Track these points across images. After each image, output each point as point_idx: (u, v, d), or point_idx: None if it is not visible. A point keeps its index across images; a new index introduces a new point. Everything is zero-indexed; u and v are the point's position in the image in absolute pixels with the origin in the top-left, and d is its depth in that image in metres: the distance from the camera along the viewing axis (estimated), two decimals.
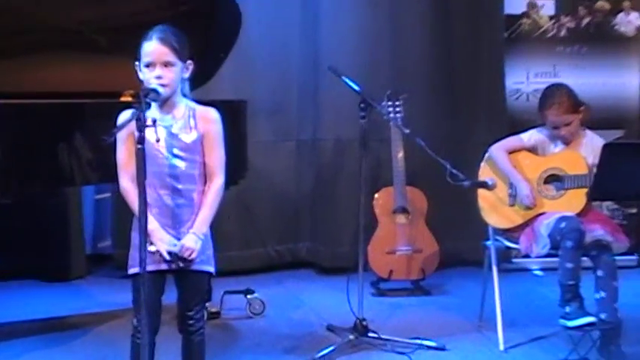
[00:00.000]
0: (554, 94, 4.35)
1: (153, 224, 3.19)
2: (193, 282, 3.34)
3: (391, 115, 5.14)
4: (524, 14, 5.90)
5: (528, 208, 4.28)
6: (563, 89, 4.35)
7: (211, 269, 3.36)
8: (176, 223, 3.25)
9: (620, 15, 5.94)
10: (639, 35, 5.95)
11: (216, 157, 3.32)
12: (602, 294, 4.04)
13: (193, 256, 3.24)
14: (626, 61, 5.94)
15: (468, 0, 5.93)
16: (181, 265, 3.25)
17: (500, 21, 5.87)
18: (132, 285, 3.29)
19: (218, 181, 3.32)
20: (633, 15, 5.94)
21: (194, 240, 3.24)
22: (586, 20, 5.92)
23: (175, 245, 3.22)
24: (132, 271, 3.26)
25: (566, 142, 4.33)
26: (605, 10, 5.94)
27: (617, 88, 5.93)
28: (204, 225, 3.28)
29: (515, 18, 5.89)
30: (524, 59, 5.91)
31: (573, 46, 5.92)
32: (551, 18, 5.92)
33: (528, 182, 4.28)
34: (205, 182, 3.31)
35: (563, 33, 5.92)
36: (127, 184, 3.24)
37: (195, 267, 3.29)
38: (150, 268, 3.12)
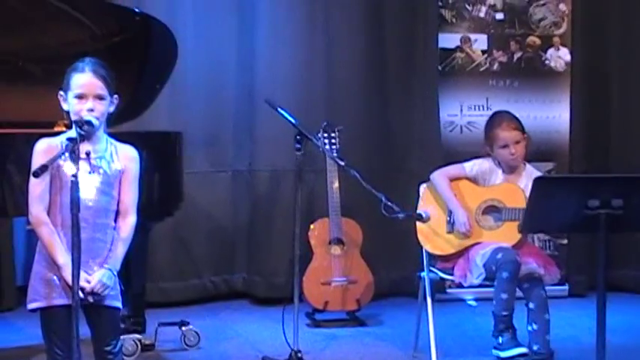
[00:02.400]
0: (502, 114, 4.52)
1: (65, 258, 3.12)
2: (107, 317, 3.28)
3: (327, 147, 5.17)
4: (458, 48, 6.00)
5: (465, 235, 4.32)
6: (509, 112, 4.53)
7: (119, 305, 3.30)
8: (86, 257, 3.14)
9: (551, 50, 6.07)
10: (569, 70, 6.07)
11: (132, 195, 3.30)
12: (535, 326, 4.10)
13: (106, 292, 3.19)
14: (556, 96, 6.06)
15: (402, 33, 6.01)
16: (92, 300, 3.18)
17: (435, 55, 5.95)
18: (41, 320, 3.21)
19: (131, 218, 3.30)
20: (563, 50, 6.08)
21: (108, 275, 3.19)
22: (518, 55, 6.05)
23: (89, 281, 3.15)
24: (34, 305, 3.20)
25: (511, 168, 4.39)
26: (535, 46, 6.07)
27: (548, 122, 6.05)
28: (118, 261, 3.25)
29: (449, 52, 5.98)
30: (457, 92, 6.00)
31: (505, 79, 6.04)
32: (484, 52, 6.03)
33: (466, 210, 4.33)
34: (116, 219, 3.28)
35: (495, 67, 6.03)
36: (42, 215, 3.16)
37: (107, 303, 3.23)
38: (61, 301, 3.09)
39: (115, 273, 3.23)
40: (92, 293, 3.17)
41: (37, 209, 3.18)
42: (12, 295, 5.78)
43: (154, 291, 5.46)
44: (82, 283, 3.13)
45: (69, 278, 3.09)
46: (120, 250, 3.25)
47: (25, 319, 5.46)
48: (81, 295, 3.11)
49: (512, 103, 5.85)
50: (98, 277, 3.17)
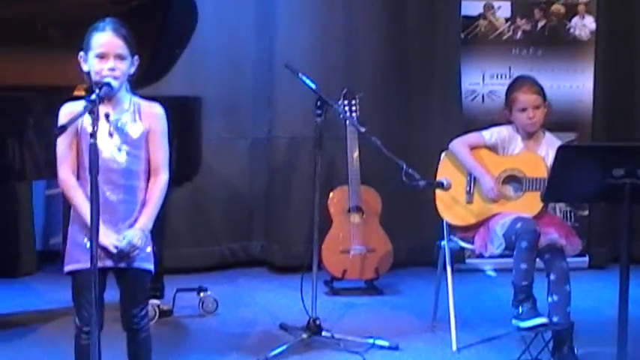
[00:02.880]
0: (525, 78, 4.46)
1: None
2: (136, 280, 3.28)
3: (347, 113, 5.12)
4: (481, 16, 5.92)
5: (493, 201, 4.28)
6: (532, 77, 4.46)
7: (151, 267, 3.30)
8: (118, 219, 3.19)
9: (575, 19, 5.98)
10: (593, 39, 5.98)
11: (161, 154, 3.27)
12: (555, 298, 4.06)
13: (136, 252, 3.19)
14: (580, 65, 5.98)
15: (424, 1, 5.93)
16: (122, 261, 3.19)
17: (457, 22, 5.88)
18: (72, 283, 3.23)
19: (163, 177, 3.28)
20: (588, 19, 5.98)
21: (139, 236, 3.18)
22: (541, 23, 5.96)
23: (120, 241, 3.15)
24: (69, 267, 3.20)
25: (529, 134, 4.33)
26: (560, 14, 5.98)
27: (571, 91, 5.98)
28: (149, 221, 3.24)
29: (471, 20, 5.90)
30: (480, 61, 5.93)
31: (529, 48, 5.96)
32: (507, 20, 5.95)
33: (491, 176, 4.29)
34: (148, 179, 3.27)
35: (518, 35, 5.95)
36: (68, 176, 3.17)
37: (136, 265, 3.23)
38: (89, 265, 3.06)
39: (147, 234, 3.22)
40: (123, 254, 3.16)
41: (64, 172, 3.18)
42: (31, 260, 5.80)
43: (172, 257, 5.44)
44: (113, 242, 3.13)
45: (100, 238, 3.07)
46: (151, 210, 3.24)
47: (44, 283, 5.50)
48: (113, 250, 3.13)
49: (535, 72, 5.72)
50: (128, 237, 3.17)
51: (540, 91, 4.34)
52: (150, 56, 3.35)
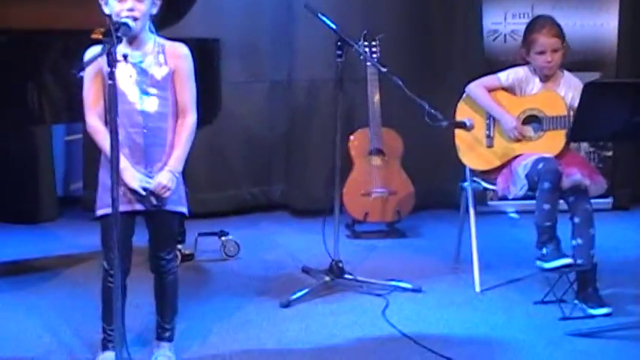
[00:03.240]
0: (545, 18, 4.35)
1: (124, 162, 3.11)
2: (165, 223, 3.29)
3: (368, 54, 5.05)
4: None
5: (517, 140, 4.22)
6: (552, 18, 4.35)
7: (184, 210, 3.32)
8: (147, 162, 3.19)
9: None
10: None
11: (188, 94, 3.25)
12: (579, 241, 4.02)
13: (167, 194, 3.18)
14: (604, 3, 5.87)
15: None
16: (155, 203, 3.19)
17: None
18: (101, 227, 3.24)
19: (191, 118, 3.26)
20: None
21: (169, 177, 3.18)
22: None
23: (149, 183, 3.15)
24: (101, 212, 3.20)
25: (547, 76, 4.27)
26: None
27: (595, 30, 5.87)
28: (179, 163, 3.23)
29: None
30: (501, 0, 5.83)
31: None
32: None
33: (512, 116, 4.23)
34: (177, 120, 3.24)
35: None
36: (95, 122, 3.16)
37: (168, 207, 3.24)
38: (122, 208, 3.05)
39: (177, 175, 3.21)
40: (155, 196, 3.16)
41: (92, 118, 3.17)
42: (52, 206, 5.81)
43: (193, 201, 5.32)
44: (143, 184, 3.13)
45: (129, 181, 3.09)
46: (181, 151, 3.23)
47: (65, 228, 5.53)
48: (143, 192, 3.13)
49: (557, 10, 5.66)
50: (159, 178, 3.15)
51: (560, 33, 4.26)
52: None
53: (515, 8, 5.83)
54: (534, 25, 4.32)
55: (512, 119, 4.22)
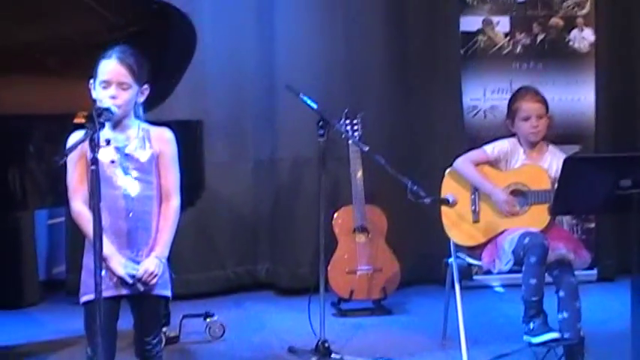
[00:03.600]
0: (528, 87, 4.46)
1: (109, 248, 3.10)
2: (151, 307, 3.27)
3: (349, 133, 5.10)
4: (480, 31, 5.91)
5: (512, 214, 4.23)
6: (534, 87, 4.46)
7: (169, 293, 3.30)
8: (133, 247, 3.18)
9: (574, 31, 5.97)
10: (593, 51, 5.97)
11: (172, 178, 3.26)
12: (565, 314, 4.01)
13: (154, 280, 3.17)
14: (580, 77, 5.97)
15: (424, 17, 5.92)
16: (142, 289, 3.17)
17: (457, 38, 5.87)
18: (85, 312, 3.20)
19: (175, 202, 3.27)
20: (586, 31, 5.98)
21: (156, 263, 3.17)
22: (541, 37, 5.95)
23: (136, 269, 3.14)
24: (86, 297, 3.17)
25: (532, 145, 4.30)
26: (559, 27, 5.98)
27: (573, 104, 5.96)
28: (165, 248, 3.23)
29: (471, 35, 5.90)
30: (480, 76, 5.92)
31: (529, 62, 5.95)
32: (506, 35, 5.94)
33: (502, 189, 4.25)
34: (161, 204, 3.24)
35: (518, 50, 5.94)
36: (80, 206, 3.16)
37: (155, 292, 3.22)
38: (108, 293, 3.04)
39: (164, 260, 3.20)
40: (142, 282, 3.15)
41: (74, 202, 3.17)
42: (35, 290, 5.76)
43: (178, 282, 5.30)
44: (129, 272, 3.12)
45: (115, 268, 3.08)
46: (167, 236, 3.23)
47: (48, 313, 5.46)
48: (130, 281, 3.12)
49: (535, 85, 5.52)
50: (145, 265, 3.15)
51: (543, 101, 4.33)
52: (150, 81, 3.32)
53: (494, 84, 5.92)
54: (518, 93, 4.41)
55: (502, 193, 4.24)
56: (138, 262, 3.17)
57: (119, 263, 3.12)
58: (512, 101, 4.38)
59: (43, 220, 5.98)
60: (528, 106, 4.28)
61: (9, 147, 3.94)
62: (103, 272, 3.05)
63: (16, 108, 4.28)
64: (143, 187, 3.20)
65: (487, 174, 4.34)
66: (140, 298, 3.21)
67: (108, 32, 4.55)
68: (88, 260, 3.18)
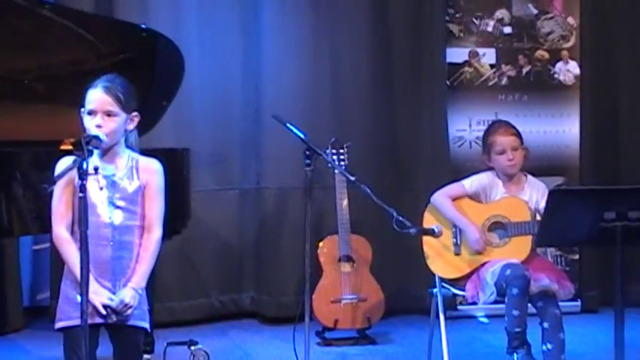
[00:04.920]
0: (500, 122, 4.57)
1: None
2: (129, 338, 3.27)
3: (336, 162, 5.11)
4: (466, 63, 5.96)
5: (478, 253, 4.26)
6: (506, 121, 4.56)
7: (146, 325, 3.29)
8: (113, 276, 3.19)
9: (559, 64, 6.03)
10: (578, 84, 6.03)
11: (156, 209, 3.28)
12: (549, 346, 4.04)
13: (129, 312, 3.16)
14: (565, 109, 6.03)
15: (410, 48, 5.96)
16: (116, 319, 3.17)
17: (443, 69, 5.91)
18: (63, 339, 3.21)
19: (156, 233, 3.28)
20: (571, 64, 6.04)
21: (132, 295, 3.17)
22: (526, 69, 6.01)
23: (112, 300, 3.14)
24: (60, 324, 3.19)
25: (510, 178, 4.34)
26: (544, 59, 6.04)
27: (558, 136, 6.01)
28: (142, 279, 3.23)
29: (457, 66, 5.94)
30: (466, 107, 5.96)
31: (514, 94, 6.00)
32: (492, 67, 5.99)
33: (476, 227, 4.28)
34: (143, 234, 3.25)
35: (504, 81, 6.00)
36: (63, 232, 3.17)
37: (130, 322, 3.21)
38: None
39: (141, 291, 3.21)
40: (116, 313, 3.14)
41: (58, 228, 3.18)
42: (18, 316, 5.73)
43: (162, 310, 5.40)
44: (103, 301, 3.10)
45: (90, 297, 3.06)
46: (145, 267, 3.23)
47: (32, 339, 5.43)
48: (103, 312, 3.11)
49: (521, 117, 5.81)
50: (121, 296, 3.14)
51: (517, 133, 4.38)
52: (137, 109, 3.34)
53: (480, 115, 5.96)
54: (491, 128, 4.48)
55: (475, 230, 4.27)
56: (115, 292, 3.17)
57: (94, 292, 3.11)
58: (486, 136, 4.44)
59: (28, 246, 5.95)
60: (502, 140, 4.33)
61: None
62: (79, 298, 3.04)
63: (3, 134, 4.30)
64: (127, 216, 3.21)
65: (466, 207, 4.37)
66: (117, 328, 3.21)
67: (97, 60, 4.59)
68: (65, 286, 3.20)
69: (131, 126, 3.26)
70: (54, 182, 2.92)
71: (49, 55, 4.57)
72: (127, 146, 3.29)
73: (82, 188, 2.85)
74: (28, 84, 4.52)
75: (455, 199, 4.39)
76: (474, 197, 4.40)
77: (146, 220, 3.25)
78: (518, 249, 4.20)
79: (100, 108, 3.16)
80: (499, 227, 4.30)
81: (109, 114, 3.17)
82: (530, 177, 4.42)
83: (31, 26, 4.38)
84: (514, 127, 4.42)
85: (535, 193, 4.31)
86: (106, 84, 3.19)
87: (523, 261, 4.15)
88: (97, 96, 3.17)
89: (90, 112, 3.16)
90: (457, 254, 4.35)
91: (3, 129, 4.41)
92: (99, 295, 3.12)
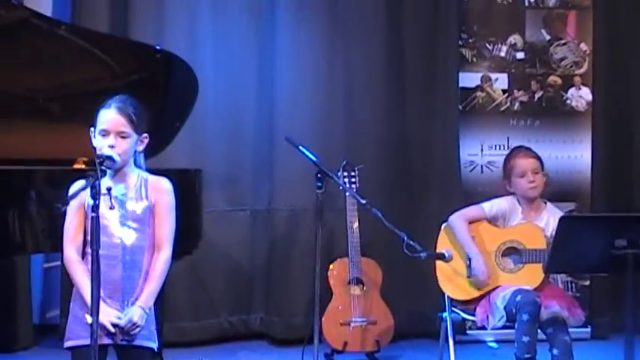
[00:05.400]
0: (521, 147, 4.57)
1: None
2: (136, 358, 3.26)
3: (347, 185, 5.12)
4: (479, 87, 5.97)
5: (484, 283, 4.26)
6: (527, 146, 4.57)
7: (154, 345, 3.29)
8: (122, 295, 3.19)
9: (572, 90, 6.04)
10: (590, 110, 6.03)
11: (166, 228, 3.28)
12: None
13: (136, 331, 3.17)
14: (577, 135, 6.02)
15: (423, 72, 5.98)
16: (123, 339, 3.17)
17: (455, 94, 5.92)
18: (72, 358, 3.21)
19: (165, 252, 3.28)
20: (584, 90, 6.04)
21: (139, 314, 3.18)
22: (538, 94, 6.02)
23: (120, 318, 3.15)
24: (69, 343, 3.20)
25: (530, 203, 4.34)
26: (556, 85, 6.04)
27: (570, 162, 6.00)
28: (150, 299, 3.23)
29: (469, 91, 5.95)
30: (478, 132, 5.96)
31: (526, 119, 6.00)
32: (504, 92, 6.00)
33: (486, 255, 4.27)
34: (152, 254, 3.26)
35: (516, 106, 6.00)
36: (73, 254, 3.19)
37: (137, 342, 3.22)
38: (88, 341, 3.03)
39: (148, 311, 3.21)
40: (124, 332, 3.14)
41: (68, 249, 3.20)
42: (28, 334, 5.73)
43: (172, 331, 5.40)
44: (111, 320, 3.10)
45: (100, 318, 3.05)
46: (153, 287, 3.24)
47: (41, 358, 5.44)
48: (112, 330, 3.11)
49: (532, 142, 5.78)
50: (129, 316, 3.15)
51: (537, 157, 4.39)
52: (151, 129, 3.36)
53: (492, 140, 5.96)
54: (511, 153, 4.50)
55: (482, 261, 4.26)
56: (123, 311, 3.18)
57: (102, 312, 3.08)
58: (506, 161, 4.44)
59: (39, 264, 5.97)
60: (523, 162, 4.33)
61: (10, 191, 3.97)
62: (89, 319, 3.05)
63: (18, 152, 4.33)
64: (137, 236, 3.22)
65: (482, 231, 4.37)
66: (125, 348, 3.21)
67: (111, 79, 4.63)
68: (74, 306, 3.22)
69: (141, 147, 3.28)
70: (67, 202, 2.93)
71: (64, 74, 4.61)
72: (137, 166, 3.30)
73: (95, 208, 2.86)
74: (42, 103, 4.56)
75: (473, 221, 4.39)
76: (492, 221, 4.40)
77: (156, 239, 3.26)
78: (531, 276, 4.20)
79: (114, 129, 3.18)
80: (514, 253, 4.30)
81: (121, 134, 3.19)
82: (549, 204, 4.42)
83: (48, 46, 4.42)
84: (534, 152, 4.43)
85: (552, 221, 4.29)
86: (120, 104, 3.22)
87: (535, 288, 4.14)
88: (110, 116, 3.19)
89: (103, 132, 3.18)
90: (469, 277, 4.34)
91: (17, 147, 4.44)
92: (106, 315, 3.12)
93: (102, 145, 3.16)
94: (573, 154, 6.01)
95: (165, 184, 3.31)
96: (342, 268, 5.34)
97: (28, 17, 4.21)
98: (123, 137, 3.19)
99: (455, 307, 4.46)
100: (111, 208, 3.14)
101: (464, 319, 4.53)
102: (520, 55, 6.01)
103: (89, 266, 3.05)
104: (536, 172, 4.33)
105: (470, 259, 4.33)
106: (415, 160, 6.02)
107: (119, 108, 3.20)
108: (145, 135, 3.29)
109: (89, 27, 5.11)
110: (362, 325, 5.29)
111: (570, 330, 4.13)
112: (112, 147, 3.15)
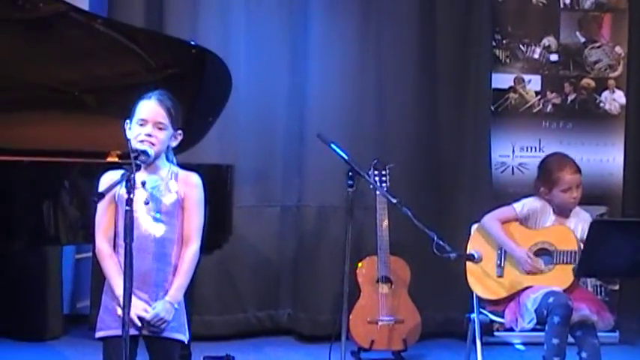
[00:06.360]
0: (563, 157, 4.48)
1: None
2: (165, 349, 3.29)
3: (378, 184, 5.13)
4: (511, 89, 5.95)
5: (530, 273, 4.25)
6: (567, 155, 4.50)
7: (183, 338, 3.32)
8: (151, 287, 3.22)
9: (605, 93, 6.00)
10: (623, 113, 6.00)
11: (195, 222, 3.31)
12: None
13: (163, 326, 3.20)
14: (610, 139, 5.98)
15: (455, 72, 5.97)
16: (150, 331, 3.20)
17: (488, 95, 5.91)
18: (103, 349, 3.25)
19: (193, 246, 3.31)
20: (618, 93, 6.00)
21: (167, 309, 3.21)
22: (572, 97, 5.99)
23: (147, 312, 3.18)
24: (100, 334, 3.24)
25: (563, 209, 4.32)
26: (590, 88, 6.01)
27: (601, 165, 5.97)
28: (179, 293, 3.26)
29: (502, 92, 5.93)
30: (510, 133, 5.94)
31: (559, 121, 5.97)
32: (537, 93, 5.97)
33: (523, 249, 4.28)
34: (181, 247, 3.29)
35: (549, 108, 5.98)
36: (104, 246, 3.23)
37: (166, 334, 3.25)
38: (118, 332, 3.07)
39: (177, 305, 3.24)
40: (151, 325, 3.18)
41: (100, 241, 3.24)
42: (58, 324, 5.79)
43: (199, 324, 5.43)
44: (139, 313, 3.14)
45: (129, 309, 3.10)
46: (182, 281, 3.26)
47: (71, 347, 5.49)
48: (138, 323, 3.13)
49: (564, 145, 5.79)
50: (156, 309, 3.19)
51: (579, 170, 4.36)
52: (184, 124, 3.39)
53: (523, 141, 5.94)
54: (554, 164, 4.41)
55: (524, 252, 4.27)
56: (154, 301, 3.21)
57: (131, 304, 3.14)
58: (548, 171, 4.38)
59: (70, 255, 6.03)
60: (570, 179, 4.31)
61: (45, 182, 4.01)
62: (118, 310, 3.09)
63: (52, 144, 4.37)
64: (167, 229, 3.25)
65: (514, 232, 4.37)
66: (154, 339, 3.25)
67: (146, 73, 4.66)
68: (105, 297, 3.26)
69: (174, 143, 3.32)
70: (102, 195, 2.96)
71: (99, 67, 4.65)
72: (168, 161, 3.34)
73: (129, 202, 2.90)
74: (77, 95, 4.60)
75: (504, 222, 4.39)
76: (523, 221, 4.40)
77: (185, 233, 3.29)
78: (561, 277, 4.19)
79: (152, 119, 3.22)
80: (545, 253, 4.30)
81: (159, 125, 3.23)
82: (577, 207, 4.40)
83: (84, 39, 4.46)
84: (577, 164, 4.41)
85: (581, 223, 4.30)
86: (160, 97, 3.28)
87: (565, 289, 4.13)
88: (150, 107, 3.24)
89: (141, 122, 3.22)
90: (500, 276, 4.34)
91: (52, 139, 4.49)
92: (134, 307, 3.15)
93: (138, 132, 3.19)
94: (605, 158, 5.98)
95: (194, 179, 3.34)
96: (371, 266, 5.35)
97: (66, 11, 4.24)
98: (160, 128, 3.23)
99: (483, 308, 4.45)
100: (146, 203, 3.18)
101: (492, 321, 4.52)
102: (554, 57, 5.98)
103: (120, 259, 3.09)
104: (579, 186, 4.32)
105: (500, 259, 4.32)
106: (446, 161, 6.01)
107: (160, 100, 3.26)
108: (180, 132, 3.33)
109: (125, 21, 5.16)
110: (389, 324, 5.30)
111: (598, 334, 4.11)
112: (149, 136, 3.19)
